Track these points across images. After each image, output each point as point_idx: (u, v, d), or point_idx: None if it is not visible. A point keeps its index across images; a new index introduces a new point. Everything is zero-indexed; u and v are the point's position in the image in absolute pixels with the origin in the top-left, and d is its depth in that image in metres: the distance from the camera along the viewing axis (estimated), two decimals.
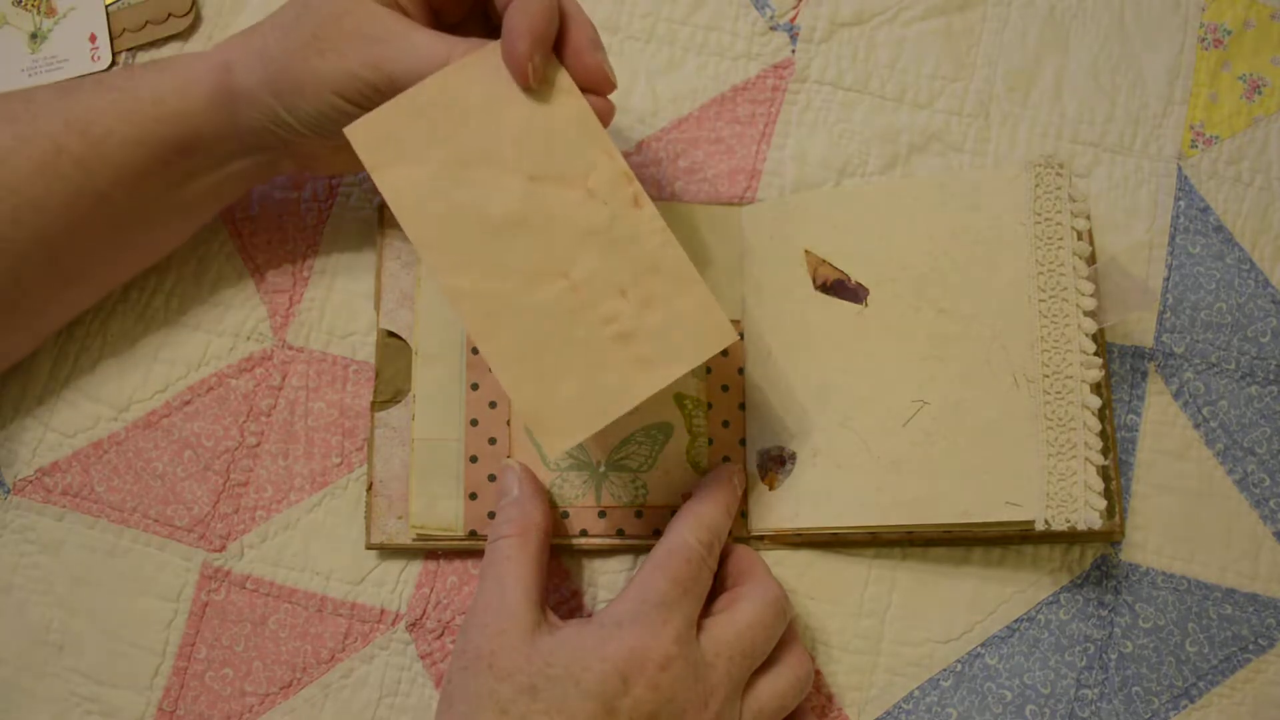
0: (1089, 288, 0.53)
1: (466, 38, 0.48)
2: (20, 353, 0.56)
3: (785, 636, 0.51)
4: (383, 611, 0.56)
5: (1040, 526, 0.50)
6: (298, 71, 0.49)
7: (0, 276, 0.51)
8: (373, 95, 0.48)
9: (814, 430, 0.55)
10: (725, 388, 0.57)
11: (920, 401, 0.54)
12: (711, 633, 0.48)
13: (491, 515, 0.54)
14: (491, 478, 0.54)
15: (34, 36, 0.62)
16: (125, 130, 0.50)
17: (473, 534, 0.54)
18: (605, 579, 0.56)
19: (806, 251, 0.57)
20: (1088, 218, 0.55)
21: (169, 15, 0.62)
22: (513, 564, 0.49)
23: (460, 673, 0.47)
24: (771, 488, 0.55)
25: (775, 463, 0.55)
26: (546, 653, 0.46)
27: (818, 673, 0.55)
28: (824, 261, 0.56)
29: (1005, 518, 0.51)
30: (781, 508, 0.55)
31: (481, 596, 0.49)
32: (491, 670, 0.46)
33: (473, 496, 0.54)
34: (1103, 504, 0.51)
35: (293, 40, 0.49)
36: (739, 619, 0.49)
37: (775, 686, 0.49)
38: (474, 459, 0.55)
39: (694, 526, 0.51)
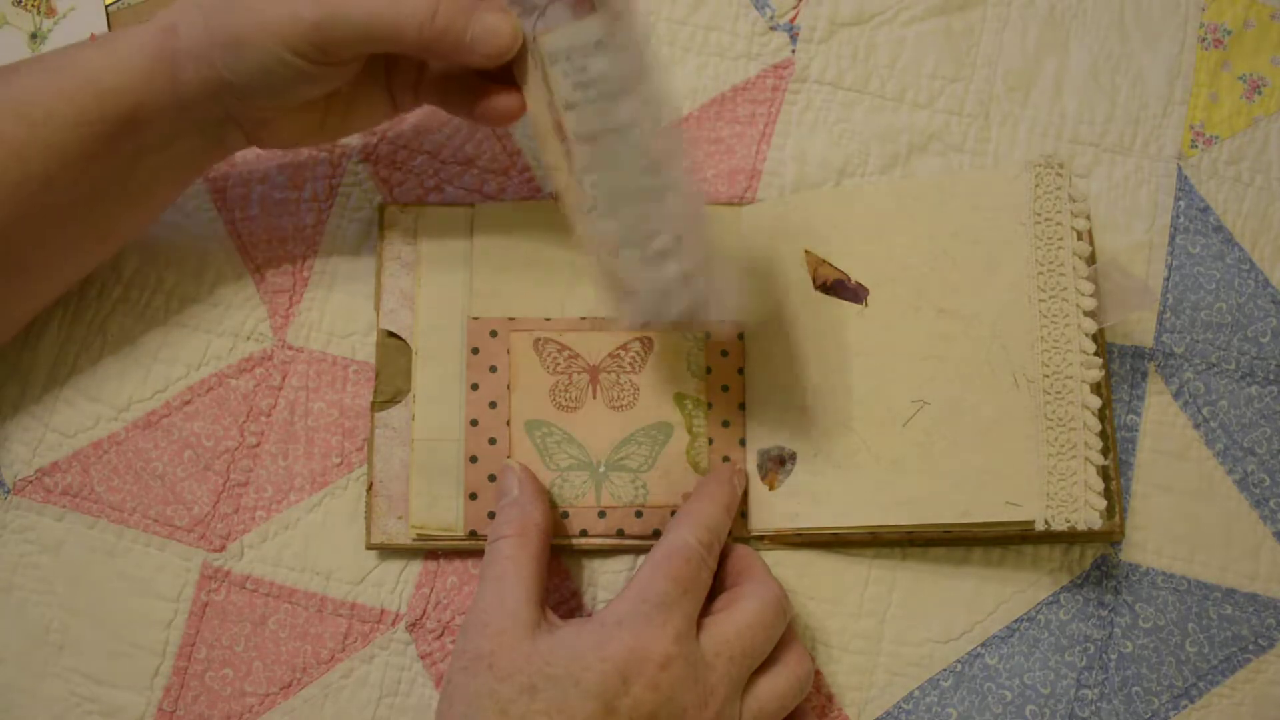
0: (1089, 288, 0.53)
1: None
2: None
3: (785, 636, 0.51)
4: (383, 611, 0.56)
5: (1040, 527, 0.50)
6: (239, 21, 0.47)
7: None
8: (316, 39, 0.46)
9: (814, 430, 0.55)
10: (725, 388, 0.57)
11: (920, 401, 0.54)
12: (711, 632, 0.48)
13: (491, 515, 0.54)
14: (492, 478, 0.54)
15: (34, 36, 0.62)
16: (65, 111, 0.48)
17: (473, 534, 0.54)
18: (605, 579, 0.56)
19: (806, 251, 0.57)
20: (1088, 218, 0.55)
21: None
22: (513, 564, 0.49)
23: (460, 673, 0.47)
24: (771, 488, 0.55)
25: (775, 463, 0.55)
26: (546, 652, 0.46)
27: (818, 673, 0.55)
28: (824, 261, 0.56)
29: (1005, 518, 0.51)
30: (781, 508, 0.55)
31: (481, 596, 0.49)
32: (491, 670, 0.46)
33: (473, 497, 0.54)
34: (1103, 504, 0.51)
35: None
36: (739, 619, 0.49)
37: (775, 686, 0.49)
38: (474, 459, 0.55)
39: (694, 526, 0.51)
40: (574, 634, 0.47)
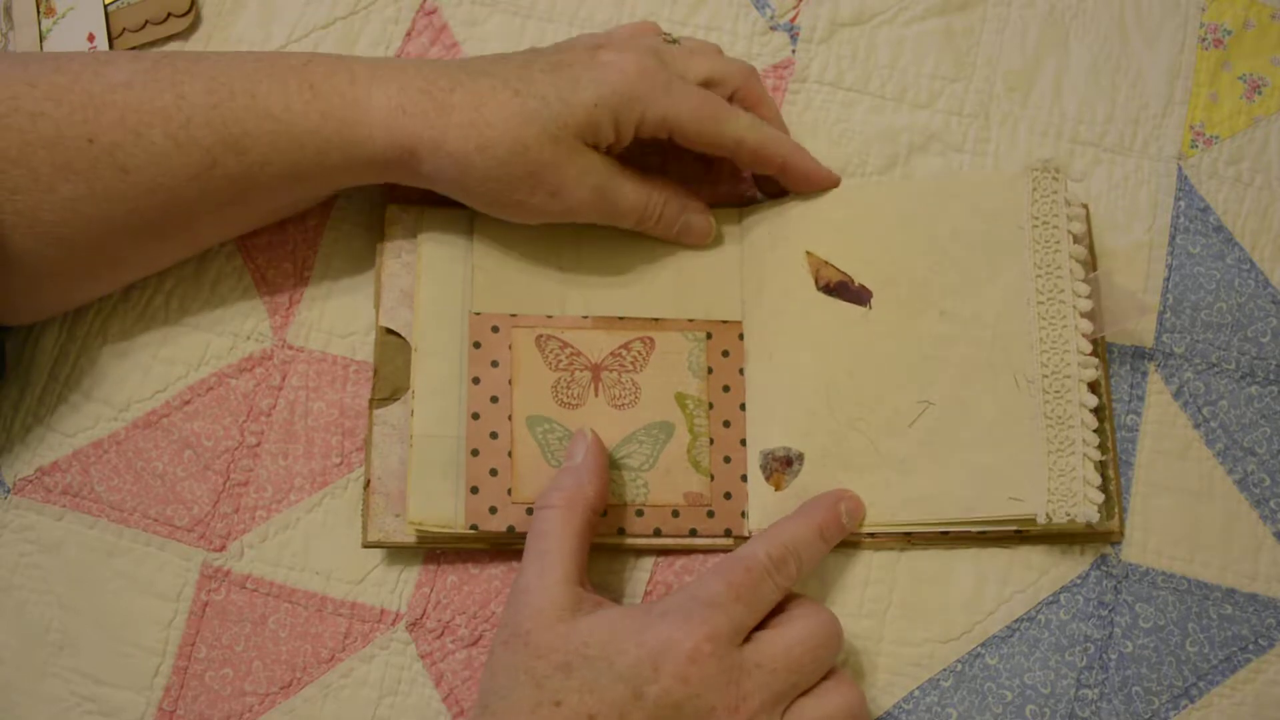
0: (1085, 289, 0.54)
1: (659, 182, 0.55)
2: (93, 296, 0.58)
3: (833, 669, 0.51)
4: (383, 611, 0.56)
5: (1042, 521, 0.51)
6: (503, 195, 0.53)
7: (113, 239, 0.52)
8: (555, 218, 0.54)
9: (822, 431, 0.55)
10: (726, 388, 0.57)
11: (925, 402, 0.54)
12: (757, 643, 0.48)
13: (494, 510, 0.54)
14: (493, 472, 0.54)
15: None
16: (281, 163, 0.52)
17: (474, 527, 0.54)
18: (605, 579, 0.56)
19: (808, 253, 0.57)
20: (1084, 221, 0.55)
21: (168, 15, 0.62)
22: (554, 539, 0.50)
23: (501, 646, 0.48)
24: (778, 488, 0.55)
25: (781, 464, 0.55)
26: (585, 633, 0.47)
27: None
28: (826, 263, 0.57)
29: (1009, 513, 0.52)
30: (789, 509, 0.55)
31: (524, 569, 0.50)
32: (528, 647, 0.47)
33: (474, 490, 0.54)
34: (1100, 498, 0.52)
35: (505, 171, 0.52)
36: (787, 634, 0.49)
37: (822, 708, 0.49)
38: (475, 453, 0.54)
39: (769, 540, 0.51)
40: (616, 618, 0.48)
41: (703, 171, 0.59)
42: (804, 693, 0.49)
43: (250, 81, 0.51)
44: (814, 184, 0.57)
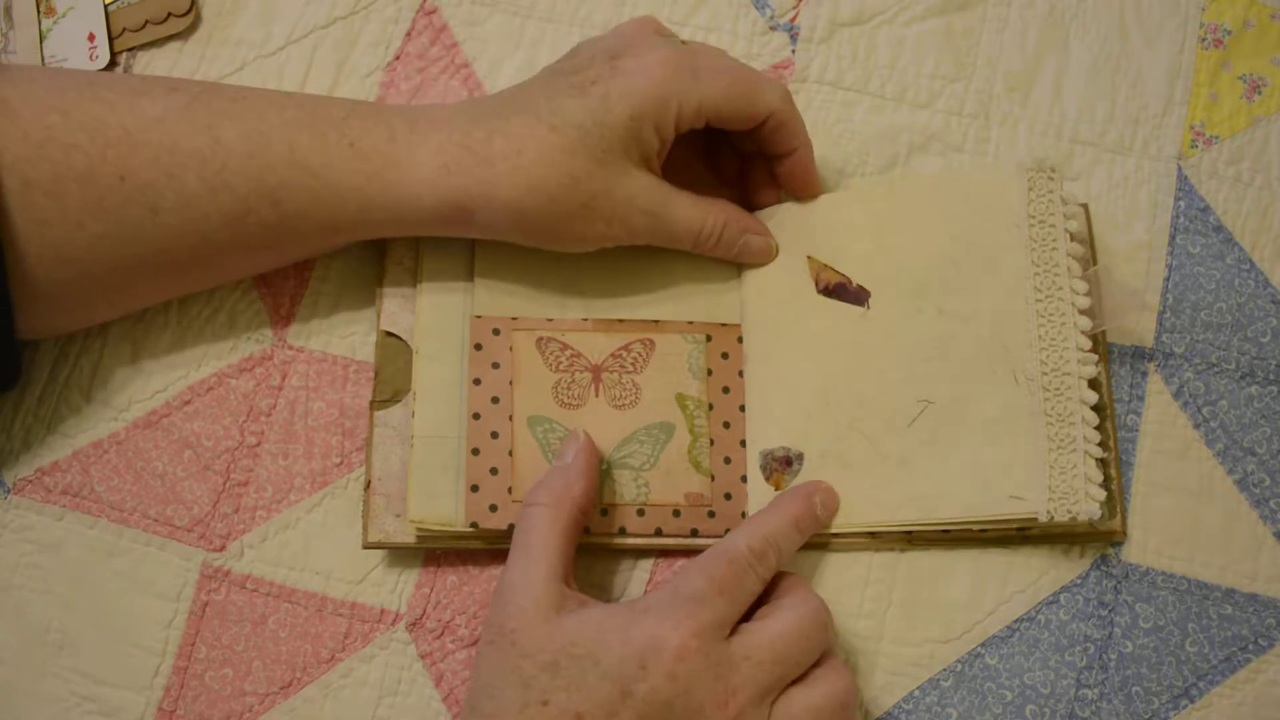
0: (1083, 286, 0.53)
1: (716, 203, 0.55)
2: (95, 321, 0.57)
3: (825, 654, 0.50)
4: (383, 611, 0.56)
5: (1044, 519, 0.51)
6: (561, 231, 0.52)
7: (139, 275, 0.52)
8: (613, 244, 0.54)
9: (821, 431, 0.55)
10: (726, 390, 0.57)
11: (925, 401, 0.54)
12: (743, 637, 0.48)
13: (494, 508, 0.54)
14: (494, 471, 0.54)
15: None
16: (320, 216, 0.52)
17: (474, 525, 0.54)
18: (604, 579, 0.56)
19: (809, 258, 0.57)
20: (1081, 219, 0.55)
21: (168, 15, 0.62)
22: (540, 536, 0.50)
23: (487, 646, 0.48)
24: (778, 488, 0.55)
25: (781, 464, 0.55)
26: (571, 631, 0.47)
27: None
28: (826, 266, 0.57)
29: (1010, 512, 0.52)
30: None
31: (509, 568, 0.50)
32: (514, 646, 0.47)
33: (474, 489, 0.54)
34: (1102, 495, 0.51)
35: (559, 207, 0.51)
36: (773, 625, 0.49)
37: (809, 699, 0.49)
38: (476, 451, 0.54)
39: (748, 533, 0.51)
40: (602, 616, 0.48)
41: (712, 180, 0.59)
42: (794, 681, 0.49)
43: (289, 132, 0.51)
44: (808, 182, 0.57)
